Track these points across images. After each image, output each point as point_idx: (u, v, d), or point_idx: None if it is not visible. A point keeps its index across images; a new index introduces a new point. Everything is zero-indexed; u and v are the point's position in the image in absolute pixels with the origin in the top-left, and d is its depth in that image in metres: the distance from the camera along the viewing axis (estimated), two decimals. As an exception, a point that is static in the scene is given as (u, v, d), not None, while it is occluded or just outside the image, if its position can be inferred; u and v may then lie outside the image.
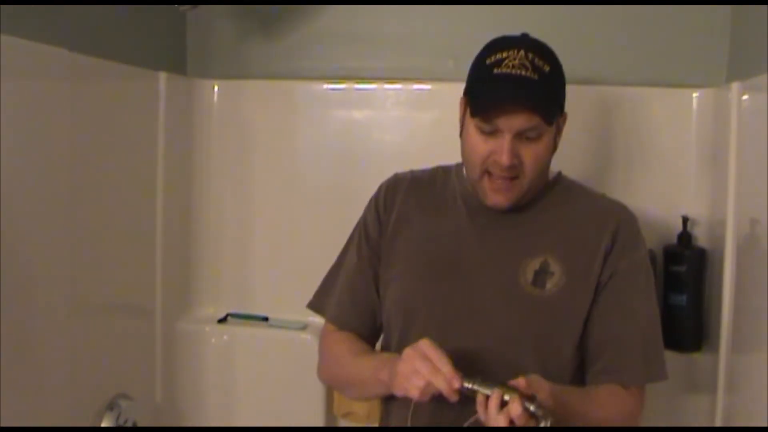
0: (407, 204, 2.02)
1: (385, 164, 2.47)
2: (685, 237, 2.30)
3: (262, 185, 2.75)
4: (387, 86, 2.62)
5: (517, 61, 1.76)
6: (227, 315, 2.73)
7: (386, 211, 2.04)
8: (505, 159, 1.76)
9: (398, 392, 1.71)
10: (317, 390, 2.58)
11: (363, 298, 2.04)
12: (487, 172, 1.82)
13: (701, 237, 2.32)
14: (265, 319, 2.70)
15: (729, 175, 2.13)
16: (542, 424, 1.53)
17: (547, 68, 1.78)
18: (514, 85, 1.76)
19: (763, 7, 2.01)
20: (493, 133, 1.78)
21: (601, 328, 1.85)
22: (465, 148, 1.89)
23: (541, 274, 1.85)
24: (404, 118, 2.62)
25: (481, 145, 1.81)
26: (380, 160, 2.57)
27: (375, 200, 2.08)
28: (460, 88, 2.52)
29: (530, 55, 1.77)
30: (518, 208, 1.88)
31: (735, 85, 2.15)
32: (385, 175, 2.43)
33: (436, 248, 1.95)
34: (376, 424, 2.18)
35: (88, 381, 2.15)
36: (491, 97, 1.78)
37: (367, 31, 2.64)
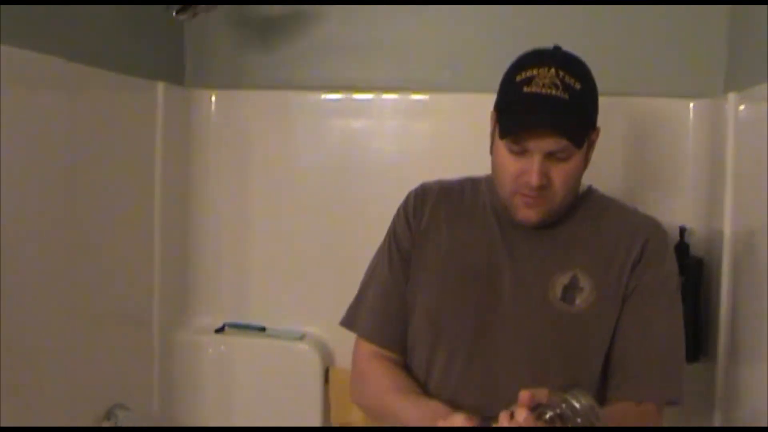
0: (437, 214, 1.99)
1: (382, 174, 2.48)
2: (682, 247, 2.30)
3: (260, 195, 2.75)
4: (384, 96, 2.63)
5: (547, 80, 1.73)
6: (224, 325, 2.73)
7: (416, 220, 2.01)
8: (534, 180, 1.74)
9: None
10: (314, 400, 2.58)
11: (396, 312, 2.00)
12: (519, 190, 1.80)
13: (698, 247, 2.31)
14: (263, 329, 2.70)
15: (726, 185, 2.13)
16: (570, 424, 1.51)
17: (578, 86, 1.74)
18: (544, 107, 1.73)
19: (761, 18, 2.01)
20: (522, 153, 1.76)
21: (620, 341, 1.83)
22: (495, 166, 1.86)
23: (570, 290, 1.83)
24: (401, 128, 2.62)
25: (511, 165, 1.79)
26: (377, 169, 2.58)
27: (404, 209, 2.05)
28: (457, 98, 2.55)
29: (561, 73, 1.74)
30: (549, 222, 1.86)
31: (732, 96, 2.15)
32: (383, 185, 2.45)
33: (466, 260, 1.92)
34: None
35: (86, 391, 2.15)
36: (520, 119, 1.76)
37: (365, 41, 2.64)
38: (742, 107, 2.10)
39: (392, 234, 2.05)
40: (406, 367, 2.00)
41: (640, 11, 2.44)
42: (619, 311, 1.83)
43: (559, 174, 1.76)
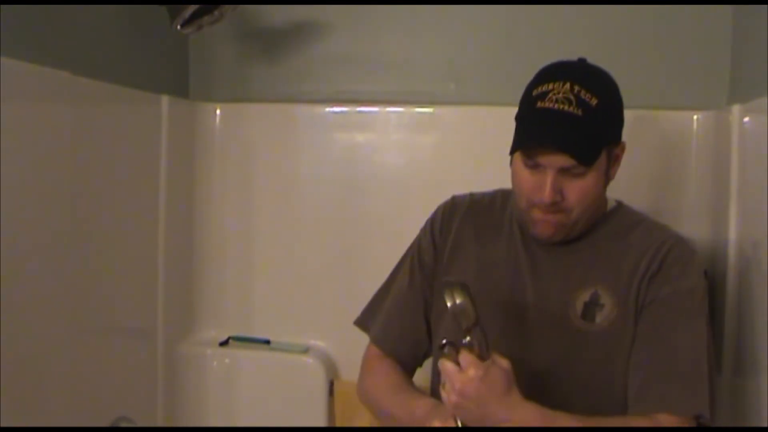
0: (464, 230, 1.99)
1: (386, 187, 2.48)
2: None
3: (264, 208, 2.75)
4: (389, 109, 2.63)
5: (561, 95, 1.71)
6: (229, 338, 2.73)
7: (442, 236, 2.01)
8: (546, 196, 1.73)
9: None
10: (319, 413, 2.58)
11: (409, 325, 2.03)
12: (534, 204, 1.78)
13: (703, 258, 2.31)
14: (267, 342, 2.70)
15: (730, 197, 2.13)
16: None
17: (594, 101, 1.70)
18: (554, 124, 1.71)
19: (764, 30, 2.01)
20: (536, 167, 1.74)
21: (636, 355, 1.78)
22: (513, 179, 1.84)
23: (591, 307, 1.81)
24: (406, 141, 2.62)
25: (527, 179, 1.77)
26: (382, 183, 2.58)
27: (431, 224, 2.05)
28: (461, 111, 2.55)
29: (576, 88, 1.71)
30: (572, 238, 1.85)
31: (736, 108, 2.14)
32: (387, 198, 2.45)
33: (490, 279, 1.91)
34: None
35: (89, 403, 2.15)
36: (530, 134, 1.74)
37: (369, 54, 2.64)
38: (746, 119, 2.10)
39: (417, 247, 2.06)
40: (412, 369, 2.05)
41: (644, 24, 2.45)
42: (635, 324, 1.79)
43: (573, 190, 1.74)
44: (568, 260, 1.86)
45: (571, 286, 1.83)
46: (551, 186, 1.72)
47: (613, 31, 2.47)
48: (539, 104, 1.73)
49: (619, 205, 1.96)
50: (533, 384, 1.77)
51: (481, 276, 1.92)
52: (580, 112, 1.69)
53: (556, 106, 1.70)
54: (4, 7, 1.76)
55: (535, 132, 1.74)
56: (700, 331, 1.78)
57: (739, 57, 2.31)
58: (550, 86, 1.73)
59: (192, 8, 2.10)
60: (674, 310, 1.78)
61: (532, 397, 1.72)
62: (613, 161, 1.82)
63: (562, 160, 1.70)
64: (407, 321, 2.03)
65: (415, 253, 2.06)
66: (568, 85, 1.71)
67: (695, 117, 2.41)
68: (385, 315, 2.07)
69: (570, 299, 1.82)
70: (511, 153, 1.77)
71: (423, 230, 2.07)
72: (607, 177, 1.81)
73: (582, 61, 1.82)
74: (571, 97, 1.70)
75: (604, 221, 1.89)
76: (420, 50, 2.63)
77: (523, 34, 2.54)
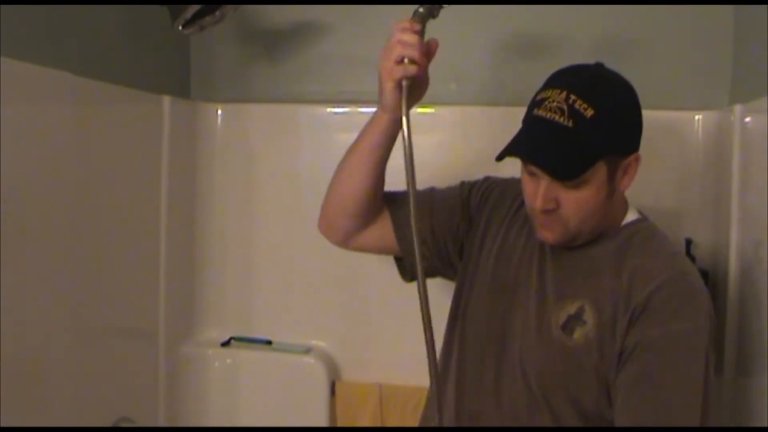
0: (496, 212, 2.01)
1: (388, 187, 2.47)
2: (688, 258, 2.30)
3: (266, 209, 2.75)
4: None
5: (555, 104, 1.67)
6: (230, 338, 2.73)
7: (482, 205, 2.04)
8: (538, 203, 1.71)
9: (385, 79, 1.85)
10: (320, 413, 2.58)
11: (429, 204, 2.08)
12: (534, 210, 1.77)
13: (705, 259, 2.31)
14: (269, 342, 2.70)
15: (732, 197, 2.13)
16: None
17: (589, 113, 1.64)
18: (539, 136, 1.69)
19: (765, 30, 2.01)
20: (533, 174, 1.73)
21: (624, 401, 1.69)
22: (521, 181, 1.83)
23: (573, 321, 1.76)
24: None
25: (528, 184, 1.76)
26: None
27: (482, 186, 2.07)
28: (462, 111, 2.55)
29: (572, 98, 1.66)
30: (584, 244, 1.82)
31: (737, 108, 2.15)
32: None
33: (505, 264, 1.92)
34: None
35: (91, 404, 2.15)
36: (513, 143, 1.72)
37: (370, 55, 2.61)
38: (747, 119, 2.10)
39: (469, 187, 2.09)
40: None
41: (645, 24, 2.45)
42: (615, 359, 1.70)
43: (568, 201, 1.71)
44: (569, 266, 1.84)
45: (564, 294, 1.81)
46: (543, 195, 1.71)
47: (614, 31, 2.47)
48: (535, 111, 1.71)
49: (640, 220, 1.88)
50: (514, 376, 1.81)
51: (500, 258, 1.93)
52: (570, 124, 1.65)
53: (548, 115, 1.68)
54: (5, 7, 1.77)
55: (518, 142, 1.73)
56: (695, 378, 1.67)
57: (741, 57, 2.32)
58: (549, 93, 1.70)
59: (193, 9, 2.10)
60: (666, 355, 1.67)
61: (510, 392, 1.79)
62: (622, 173, 1.75)
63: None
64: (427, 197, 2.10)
65: (465, 188, 2.09)
66: (564, 94, 1.67)
67: (697, 117, 2.41)
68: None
69: (557, 308, 1.79)
70: (497, 159, 1.72)
71: (476, 186, 2.09)
72: (612, 188, 1.75)
73: (597, 66, 1.77)
74: (564, 107, 1.66)
75: (616, 234, 1.84)
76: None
77: (524, 35, 2.54)
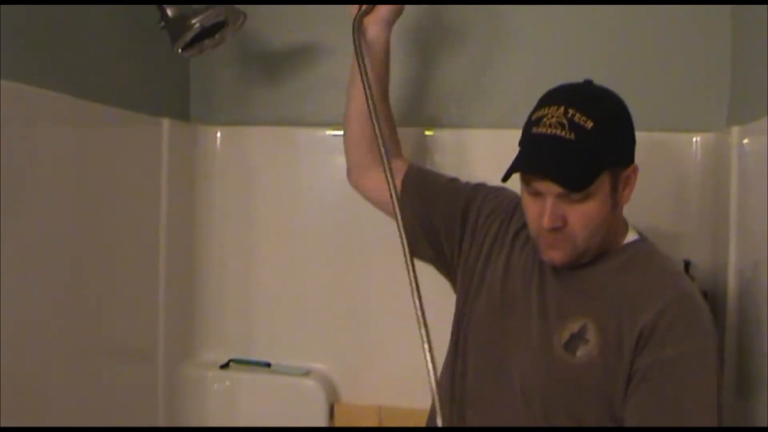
0: (504, 229, 2.01)
1: (387, 209, 2.48)
2: (688, 279, 2.30)
3: (265, 231, 2.75)
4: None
5: (554, 120, 1.69)
6: (229, 361, 2.72)
7: (485, 225, 2.05)
8: (545, 222, 1.71)
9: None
10: (320, 436, 2.58)
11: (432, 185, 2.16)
12: (540, 232, 1.78)
13: (703, 280, 2.30)
14: (268, 365, 2.70)
15: (730, 218, 2.13)
16: None
17: (589, 125, 1.67)
18: (544, 149, 1.71)
19: (763, 51, 2.02)
20: (537, 194, 1.74)
21: (641, 422, 1.68)
22: (522, 204, 1.85)
23: (576, 339, 1.76)
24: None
25: (531, 205, 1.77)
26: (382, 205, 2.58)
27: (491, 198, 2.08)
28: (462, 134, 2.56)
29: (570, 112, 1.69)
30: (583, 263, 1.82)
31: (735, 130, 2.16)
32: (388, 221, 2.44)
33: (509, 283, 1.92)
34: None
35: (89, 425, 2.14)
36: (519, 161, 1.74)
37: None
38: (745, 141, 2.11)
39: (474, 189, 2.13)
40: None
41: (643, 46, 2.47)
42: (623, 378, 1.70)
43: (576, 215, 1.72)
44: (571, 286, 1.83)
45: (565, 313, 1.80)
46: (550, 213, 1.71)
47: (612, 53, 2.48)
48: (534, 130, 1.73)
49: (640, 240, 1.89)
50: (513, 394, 1.81)
51: (504, 280, 1.94)
52: (572, 137, 1.67)
53: (549, 131, 1.70)
54: (5, 29, 1.77)
55: (524, 159, 1.74)
56: (710, 394, 1.67)
57: (738, 79, 2.32)
58: (546, 111, 1.72)
59: (193, 32, 2.11)
60: (681, 374, 1.68)
61: (510, 406, 1.80)
62: (623, 185, 1.77)
63: (555, 187, 1.69)
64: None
65: (472, 193, 2.12)
66: (562, 110, 1.70)
67: (695, 139, 2.42)
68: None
69: (559, 326, 1.79)
70: (503, 180, 1.75)
71: (483, 193, 2.11)
72: (615, 201, 1.76)
73: (587, 83, 1.81)
74: (564, 122, 1.69)
75: (617, 253, 1.84)
76: (420, 73, 2.64)
77: (523, 57, 2.55)
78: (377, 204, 2.25)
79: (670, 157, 2.41)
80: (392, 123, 2.26)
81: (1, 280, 1.75)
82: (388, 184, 1.87)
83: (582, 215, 1.72)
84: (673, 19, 2.45)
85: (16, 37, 1.83)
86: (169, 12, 2.11)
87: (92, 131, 2.13)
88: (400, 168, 2.18)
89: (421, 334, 1.73)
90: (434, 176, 2.23)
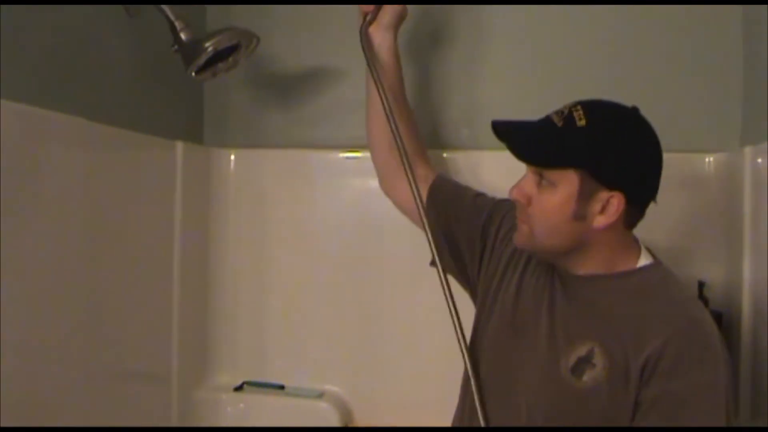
0: (520, 251, 2.01)
1: (400, 233, 2.48)
2: (702, 302, 2.29)
3: (279, 254, 2.75)
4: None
5: (561, 108, 1.75)
6: (243, 383, 2.72)
7: (503, 242, 2.07)
8: (513, 192, 1.79)
9: None
10: (333, 459, 2.57)
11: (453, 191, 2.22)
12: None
13: (718, 302, 2.30)
14: (282, 387, 2.69)
15: (744, 238, 2.13)
16: None
17: (582, 122, 1.69)
18: (529, 124, 1.77)
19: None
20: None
21: None
22: None
23: (582, 363, 1.74)
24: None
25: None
26: (396, 228, 2.56)
27: (510, 214, 2.05)
28: (474, 156, 2.55)
29: (577, 107, 1.72)
30: (594, 283, 1.82)
31: (748, 150, 2.16)
32: (401, 244, 2.47)
33: (520, 304, 1.93)
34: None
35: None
36: (503, 121, 1.82)
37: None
38: (759, 160, 2.11)
39: (492, 207, 2.15)
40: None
41: (656, 67, 2.47)
42: (630, 405, 1.68)
43: (537, 201, 1.76)
44: (580, 308, 1.82)
45: (573, 336, 1.79)
46: (519, 184, 1.78)
47: (625, 74, 2.48)
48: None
49: (653, 265, 1.85)
50: (518, 416, 1.82)
51: (518, 297, 1.94)
52: (560, 124, 1.72)
53: (550, 114, 1.76)
54: (18, 52, 1.79)
55: (511, 121, 1.82)
56: (718, 424, 1.64)
57: (751, 99, 2.32)
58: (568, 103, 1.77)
59: (206, 55, 2.12)
60: (692, 404, 1.65)
61: (508, 420, 1.82)
62: (598, 204, 1.73)
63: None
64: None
65: (492, 206, 2.14)
66: (574, 104, 1.74)
67: (708, 159, 2.42)
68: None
69: (567, 349, 1.78)
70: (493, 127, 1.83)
71: (497, 210, 2.14)
72: (583, 213, 1.73)
73: (630, 108, 1.79)
74: (565, 112, 1.73)
75: (629, 276, 1.82)
76: (433, 96, 2.65)
77: (535, 79, 2.56)
78: (407, 214, 2.30)
79: (683, 177, 2.40)
80: (414, 126, 2.30)
81: (16, 305, 1.75)
82: (416, 202, 2.00)
83: (541, 202, 1.75)
84: (685, 40, 2.46)
85: (29, 59, 1.84)
86: (183, 35, 2.13)
87: (106, 154, 2.14)
88: (426, 177, 2.23)
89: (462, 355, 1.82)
90: (460, 190, 2.25)
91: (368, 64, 2.13)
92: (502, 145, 2.24)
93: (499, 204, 2.14)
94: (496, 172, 2.50)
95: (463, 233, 2.13)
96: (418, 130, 2.32)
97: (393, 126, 2.03)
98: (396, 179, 2.22)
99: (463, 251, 2.13)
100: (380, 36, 2.20)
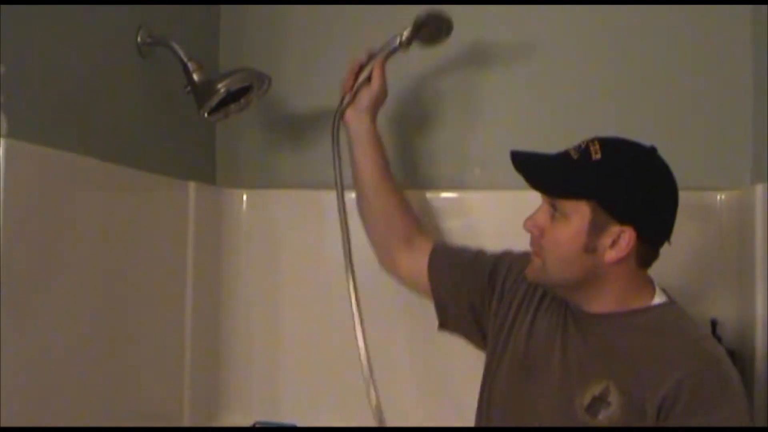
0: (531, 293, 2.02)
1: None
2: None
3: (291, 294, 2.76)
4: (413, 194, 2.62)
5: (578, 143, 1.78)
6: (255, 424, 2.70)
7: (511, 289, 2.07)
8: (527, 223, 1.81)
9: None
10: (345, 499, 2.55)
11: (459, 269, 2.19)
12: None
13: (730, 339, 2.29)
14: (294, 427, 2.68)
15: (756, 275, 2.13)
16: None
17: (597, 156, 1.72)
18: (545, 156, 1.80)
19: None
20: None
21: None
22: None
23: (598, 402, 1.73)
24: (431, 226, 2.60)
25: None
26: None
27: (516, 262, 2.09)
28: (486, 196, 2.56)
29: (594, 142, 1.75)
30: (607, 320, 1.82)
31: (759, 187, 2.16)
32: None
33: (532, 345, 1.93)
34: None
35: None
36: (521, 152, 1.84)
37: (393, 140, 2.66)
38: (769, 197, 2.11)
39: (498, 260, 2.15)
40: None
41: (666, 104, 2.49)
42: None
43: (550, 233, 1.78)
44: (593, 345, 1.82)
45: (587, 374, 1.79)
46: (533, 215, 1.81)
47: (634, 112, 2.50)
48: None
49: (667, 303, 1.86)
50: None
51: (529, 338, 1.94)
52: (576, 156, 1.75)
53: (568, 149, 1.79)
54: (30, 92, 1.80)
55: (527, 155, 1.85)
56: None
57: (760, 137, 2.33)
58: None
59: (219, 96, 2.14)
60: None
61: None
62: (609, 238, 1.74)
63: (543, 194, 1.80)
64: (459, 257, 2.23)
65: (495, 262, 2.15)
66: (592, 140, 1.76)
67: (719, 197, 2.42)
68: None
69: (581, 387, 1.78)
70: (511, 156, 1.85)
71: (505, 261, 2.14)
72: (593, 246, 1.75)
73: (651, 148, 1.82)
74: (582, 145, 1.76)
75: (642, 314, 1.83)
76: (444, 136, 2.66)
77: (546, 118, 2.57)
78: (412, 287, 2.33)
79: (694, 215, 2.39)
80: (403, 200, 2.33)
81: (27, 343, 1.75)
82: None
83: (554, 234, 1.77)
84: (695, 77, 2.47)
85: (41, 98, 1.85)
86: (195, 76, 2.15)
87: (117, 195, 2.14)
88: (424, 247, 2.24)
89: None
90: (460, 253, 2.26)
91: (333, 150, 2.30)
92: (514, 184, 2.25)
93: (502, 257, 2.16)
94: (509, 211, 2.47)
95: (471, 293, 2.14)
96: (408, 204, 2.34)
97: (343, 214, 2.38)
98: (395, 253, 2.28)
99: (476, 310, 2.14)
100: (357, 119, 2.25)
